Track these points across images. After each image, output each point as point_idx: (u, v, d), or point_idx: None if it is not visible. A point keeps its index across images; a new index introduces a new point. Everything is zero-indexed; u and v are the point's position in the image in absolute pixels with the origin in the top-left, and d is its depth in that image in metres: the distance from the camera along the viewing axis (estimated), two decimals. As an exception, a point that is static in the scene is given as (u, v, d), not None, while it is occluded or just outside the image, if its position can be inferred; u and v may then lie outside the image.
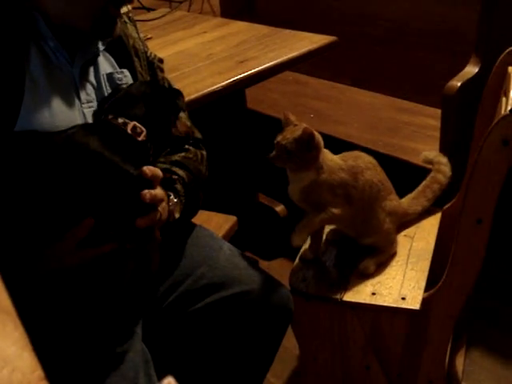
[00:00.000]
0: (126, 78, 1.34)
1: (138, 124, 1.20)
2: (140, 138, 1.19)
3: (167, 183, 1.34)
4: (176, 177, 1.38)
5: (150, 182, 1.17)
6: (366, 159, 1.57)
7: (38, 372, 0.48)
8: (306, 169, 1.45)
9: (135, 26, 1.46)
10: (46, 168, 1.10)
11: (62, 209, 1.10)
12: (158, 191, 1.21)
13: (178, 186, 1.37)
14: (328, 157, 1.50)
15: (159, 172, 1.20)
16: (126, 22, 1.41)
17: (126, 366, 1.18)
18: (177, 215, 1.35)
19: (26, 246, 1.11)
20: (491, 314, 2.18)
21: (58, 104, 1.19)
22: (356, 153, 1.58)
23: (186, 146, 1.47)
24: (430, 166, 1.74)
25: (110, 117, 1.20)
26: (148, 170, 1.16)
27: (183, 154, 1.44)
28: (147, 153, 1.22)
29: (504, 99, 1.39)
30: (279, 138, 1.45)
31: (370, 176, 1.54)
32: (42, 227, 1.11)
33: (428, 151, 1.77)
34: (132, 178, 1.14)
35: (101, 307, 1.25)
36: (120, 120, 1.19)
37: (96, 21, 1.23)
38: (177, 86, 1.58)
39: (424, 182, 1.74)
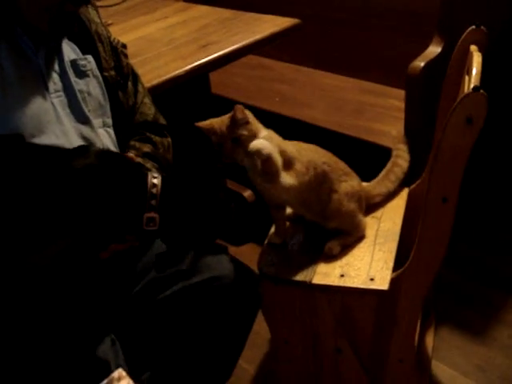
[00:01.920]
0: (89, 64, 1.33)
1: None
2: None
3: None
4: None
5: None
6: (312, 146, 1.58)
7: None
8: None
9: (97, 11, 1.43)
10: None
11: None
12: None
13: None
14: (269, 130, 1.49)
15: None
16: (87, 7, 1.38)
17: (94, 357, 1.17)
18: None
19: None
20: (458, 291, 2.21)
21: (27, 94, 1.17)
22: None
23: (152, 136, 1.46)
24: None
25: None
26: None
27: (152, 146, 1.43)
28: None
29: (467, 78, 1.39)
30: (217, 138, 1.41)
31: (314, 157, 1.54)
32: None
33: (392, 134, 1.79)
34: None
35: (68, 297, 1.24)
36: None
37: (52, 20, 1.21)
38: (139, 71, 1.56)
39: (385, 168, 1.77)
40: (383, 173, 1.76)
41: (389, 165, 1.77)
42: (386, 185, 1.75)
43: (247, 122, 1.41)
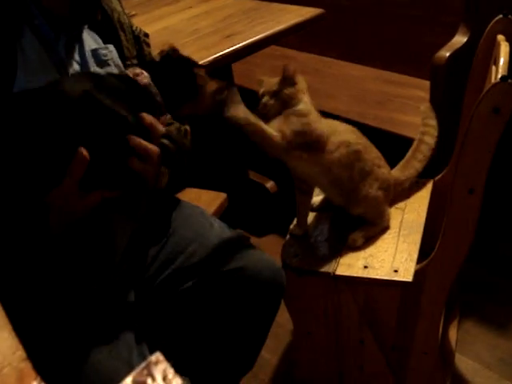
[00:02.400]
0: (111, 53, 1.32)
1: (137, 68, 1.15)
2: (140, 78, 1.13)
3: None
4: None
5: (148, 132, 1.10)
6: (350, 127, 1.58)
7: (20, 352, 0.47)
8: (292, 106, 1.45)
9: (119, 0, 1.43)
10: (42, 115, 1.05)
11: (58, 153, 1.04)
12: (151, 146, 1.12)
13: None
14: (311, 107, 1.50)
15: (160, 126, 1.12)
16: None
17: (119, 346, 1.18)
18: (164, 180, 1.33)
19: (28, 197, 1.06)
20: (483, 284, 2.18)
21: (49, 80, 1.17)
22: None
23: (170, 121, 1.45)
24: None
25: None
26: (147, 117, 1.09)
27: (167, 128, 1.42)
28: (153, 99, 1.15)
29: (494, 68, 1.37)
30: (262, 89, 1.46)
31: (349, 138, 1.54)
32: (40, 173, 1.05)
33: (420, 108, 1.76)
34: (126, 122, 1.07)
35: (93, 284, 1.24)
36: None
37: (74, 6, 1.21)
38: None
39: (412, 147, 1.73)
40: (409, 153, 1.72)
41: (415, 143, 1.72)
42: (413, 165, 1.70)
43: (293, 84, 1.43)
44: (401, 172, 1.71)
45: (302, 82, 1.48)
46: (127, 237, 1.30)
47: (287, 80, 1.43)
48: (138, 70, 1.16)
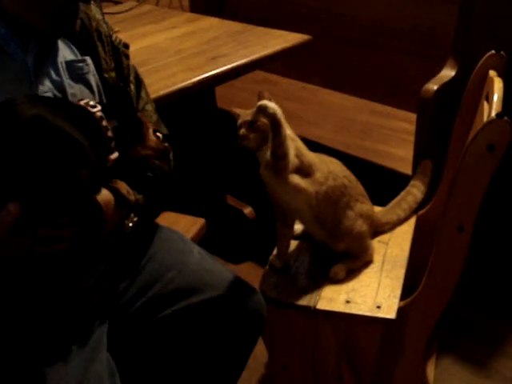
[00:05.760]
0: (87, 66, 1.25)
1: (91, 101, 1.11)
2: (94, 111, 1.09)
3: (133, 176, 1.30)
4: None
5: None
6: (335, 160, 1.56)
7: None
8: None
9: (100, 8, 1.36)
10: None
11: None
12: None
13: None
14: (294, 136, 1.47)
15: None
16: (89, 2, 1.32)
17: (89, 378, 1.12)
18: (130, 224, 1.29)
19: None
20: (459, 321, 2.15)
21: (8, 95, 1.10)
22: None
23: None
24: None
25: None
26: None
27: None
28: (104, 133, 1.10)
29: (486, 103, 1.35)
30: (239, 120, 1.43)
31: (335, 169, 1.52)
32: None
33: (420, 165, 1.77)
34: (78, 147, 1.02)
35: (58, 313, 1.18)
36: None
37: (55, 18, 1.15)
38: (146, 81, 1.51)
39: (398, 196, 1.74)
40: (395, 200, 1.74)
41: (403, 193, 1.74)
42: (396, 212, 1.72)
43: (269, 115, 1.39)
44: (382, 216, 1.71)
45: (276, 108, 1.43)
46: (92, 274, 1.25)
47: (262, 109, 1.38)
48: (92, 102, 1.11)
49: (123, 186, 1.26)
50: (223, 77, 1.92)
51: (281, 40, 2.12)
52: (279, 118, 1.34)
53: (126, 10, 2.62)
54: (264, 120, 1.38)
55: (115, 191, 1.23)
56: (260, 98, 1.42)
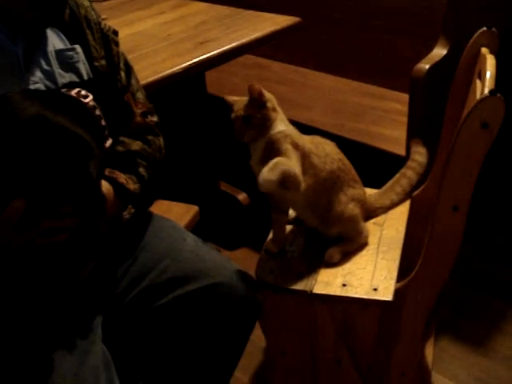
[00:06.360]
0: (77, 55, 1.24)
1: (82, 90, 1.09)
2: (87, 101, 1.07)
3: (127, 167, 1.29)
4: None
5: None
6: (329, 142, 1.52)
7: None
8: (267, 131, 1.39)
9: None
10: None
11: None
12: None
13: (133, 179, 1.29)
14: (288, 124, 1.45)
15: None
16: None
17: (85, 371, 1.11)
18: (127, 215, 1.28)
19: None
20: (458, 300, 2.16)
21: None
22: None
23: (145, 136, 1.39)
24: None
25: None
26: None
27: (142, 143, 1.36)
28: (98, 122, 1.10)
29: (478, 81, 1.33)
30: (233, 114, 1.40)
31: (332, 152, 1.49)
32: None
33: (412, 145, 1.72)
34: (83, 142, 1.02)
35: (55, 305, 1.17)
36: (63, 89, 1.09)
37: (43, 7, 1.13)
38: (135, 68, 1.49)
39: (393, 178, 1.70)
40: (389, 183, 1.70)
41: (397, 175, 1.69)
42: (390, 197, 1.69)
43: (262, 106, 1.37)
44: (375, 200, 1.68)
45: (270, 100, 1.41)
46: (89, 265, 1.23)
47: (255, 101, 1.37)
48: (83, 92, 1.09)
49: (121, 176, 1.25)
50: (213, 61, 1.90)
51: (270, 23, 2.09)
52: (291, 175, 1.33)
53: (114, -3, 2.59)
54: (260, 113, 1.36)
55: (113, 181, 1.22)
56: (251, 91, 1.37)
